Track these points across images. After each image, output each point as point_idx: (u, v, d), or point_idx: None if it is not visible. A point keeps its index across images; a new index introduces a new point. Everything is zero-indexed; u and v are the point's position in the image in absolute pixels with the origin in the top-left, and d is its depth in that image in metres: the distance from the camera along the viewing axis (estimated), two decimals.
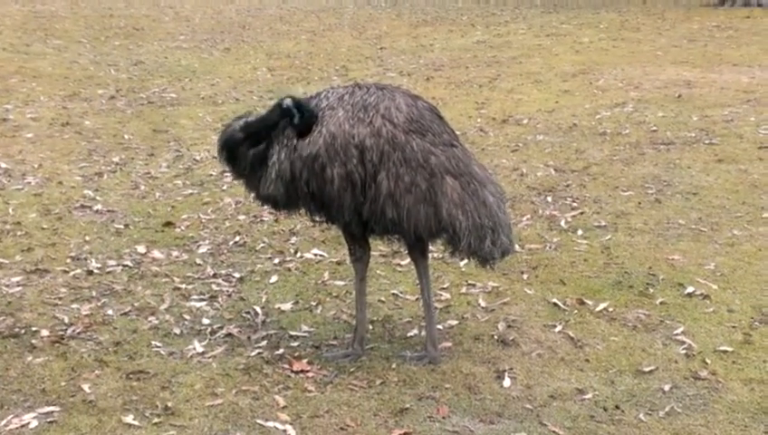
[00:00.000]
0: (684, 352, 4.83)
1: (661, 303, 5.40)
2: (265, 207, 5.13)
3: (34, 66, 12.87)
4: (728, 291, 5.53)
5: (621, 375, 4.60)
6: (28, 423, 4.15)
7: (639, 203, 7.12)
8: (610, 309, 5.33)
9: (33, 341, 4.93)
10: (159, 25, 17.35)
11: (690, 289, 5.54)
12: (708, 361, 4.73)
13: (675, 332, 5.04)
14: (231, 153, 4.73)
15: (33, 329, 5.07)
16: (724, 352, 4.82)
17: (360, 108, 4.49)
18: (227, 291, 5.67)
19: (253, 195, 4.86)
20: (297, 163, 4.51)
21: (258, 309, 5.38)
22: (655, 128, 9.22)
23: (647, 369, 4.64)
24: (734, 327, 5.09)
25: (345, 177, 4.44)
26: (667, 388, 4.47)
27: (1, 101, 10.74)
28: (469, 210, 4.43)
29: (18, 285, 5.66)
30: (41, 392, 4.41)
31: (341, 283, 5.77)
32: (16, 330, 5.06)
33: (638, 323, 5.15)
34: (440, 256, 5.89)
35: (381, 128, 4.43)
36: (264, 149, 4.64)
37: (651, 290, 5.56)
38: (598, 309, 5.33)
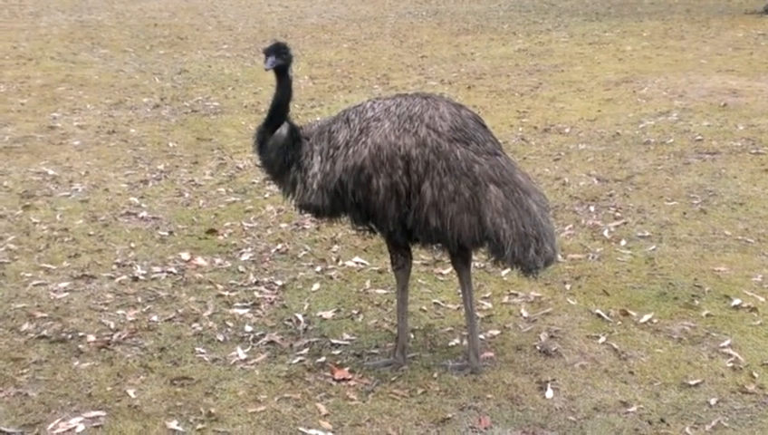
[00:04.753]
0: (731, 365, 4.75)
1: (707, 315, 5.32)
2: (306, 214, 5.14)
3: (81, 75, 13.10)
4: None
5: (666, 388, 4.54)
6: (75, 427, 4.22)
7: (684, 213, 7.03)
8: (655, 321, 5.27)
9: (80, 346, 5.01)
10: (203, 34, 17.55)
11: (737, 301, 5.46)
12: (756, 374, 4.65)
13: (721, 344, 4.97)
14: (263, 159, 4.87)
15: (80, 334, 5.16)
16: None
17: (405, 118, 4.50)
18: (270, 298, 5.71)
19: (293, 202, 4.88)
20: (342, 174, 4.54)
21: (300, 317, 5.41)
22: (700, 137, 9.10)
23: (692, 382, 4.58)
24: None
25: (390, 187, 4.45)
26: (713, 401, 4.40)
27: (49, 108, 10.95)
28: (513, 219, 4.42)
29: (65, 291, 5.76)
30: (87, 397, 4.48)
31: (383, 291, 5.78)
32: (63, 335, 5.14)
33: (684, 336, 5.08)
34: (482, 265, 5.88)
35: (426, 137, 4.44)
36: (289, 159, 4.70)
37: (697, 302, 5.49)
38: (642, 320, 5.27)
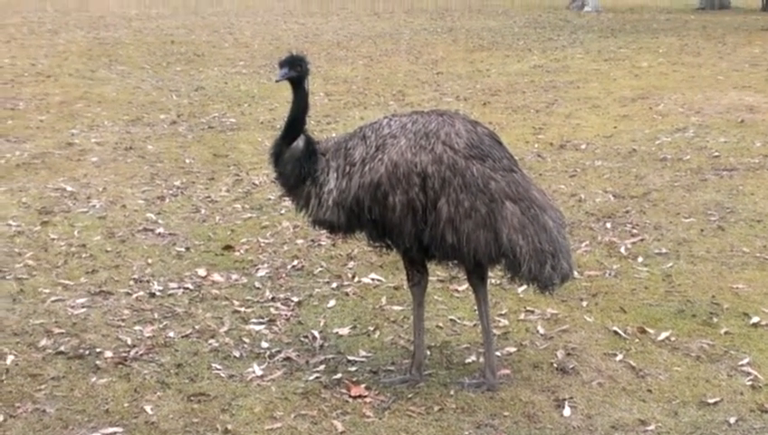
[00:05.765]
0: (750, 383, 4.71)
1: (726, 332, 5.29)
2: (320, 230, 5.14)
3: (99, 91, 13.21)
4: None
5: (685, 406, 4.51)
6: None
7: (702, 230, 7.00)
8: (673, 338, 5.24)
9: (98, 362, 5.03)
10: (219, 51, 17.67)
11: (756, 319, 5.42)
12: None
13: (740, 362, 4.93)
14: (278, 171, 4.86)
15: (98, 350, 5.17)
16: None
17: (421, 135, 4.51)
18: (286, 315, 5.71)
19: (307, 217, 4.88)
20: (358, 191, 4.55)
21: (316, 333, 5.41)
22: (717, 153, 9.07)
23: (711, 400, 4.54)
24: None
25: (407, 204, 4.46)
26: (732, 420, 4.36)
27: (67, 125, 11.04)
28: (529, 235, 4.41)
29: (83, 307, 5.79)
30: (104, 413, 4.49)
31: (399, 308, 5.77)
32: (81, 351, 5.16)
33: (702, 354, 5.05)
34: (498, 282, 5.87)
35: (443, 154, 4.45)
36: (305, 172, 4.71)
37: (715, 319, 5.45)
38: (660, 338, 5.24)
